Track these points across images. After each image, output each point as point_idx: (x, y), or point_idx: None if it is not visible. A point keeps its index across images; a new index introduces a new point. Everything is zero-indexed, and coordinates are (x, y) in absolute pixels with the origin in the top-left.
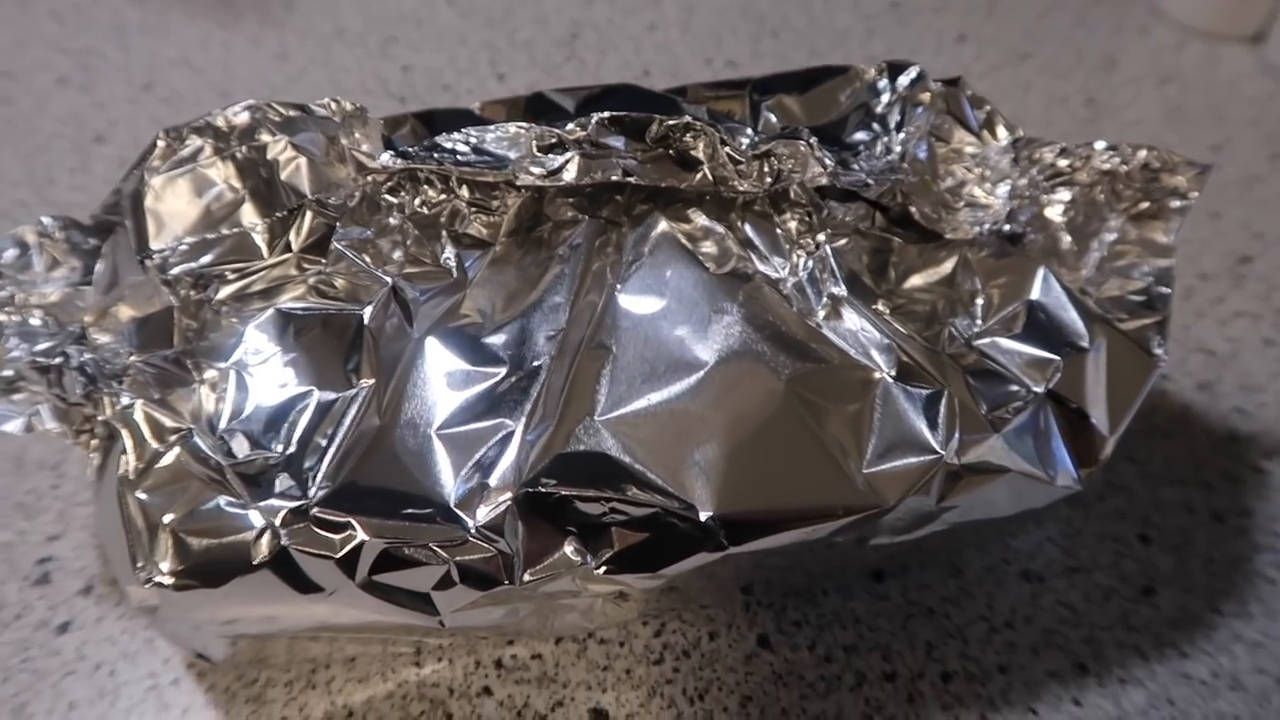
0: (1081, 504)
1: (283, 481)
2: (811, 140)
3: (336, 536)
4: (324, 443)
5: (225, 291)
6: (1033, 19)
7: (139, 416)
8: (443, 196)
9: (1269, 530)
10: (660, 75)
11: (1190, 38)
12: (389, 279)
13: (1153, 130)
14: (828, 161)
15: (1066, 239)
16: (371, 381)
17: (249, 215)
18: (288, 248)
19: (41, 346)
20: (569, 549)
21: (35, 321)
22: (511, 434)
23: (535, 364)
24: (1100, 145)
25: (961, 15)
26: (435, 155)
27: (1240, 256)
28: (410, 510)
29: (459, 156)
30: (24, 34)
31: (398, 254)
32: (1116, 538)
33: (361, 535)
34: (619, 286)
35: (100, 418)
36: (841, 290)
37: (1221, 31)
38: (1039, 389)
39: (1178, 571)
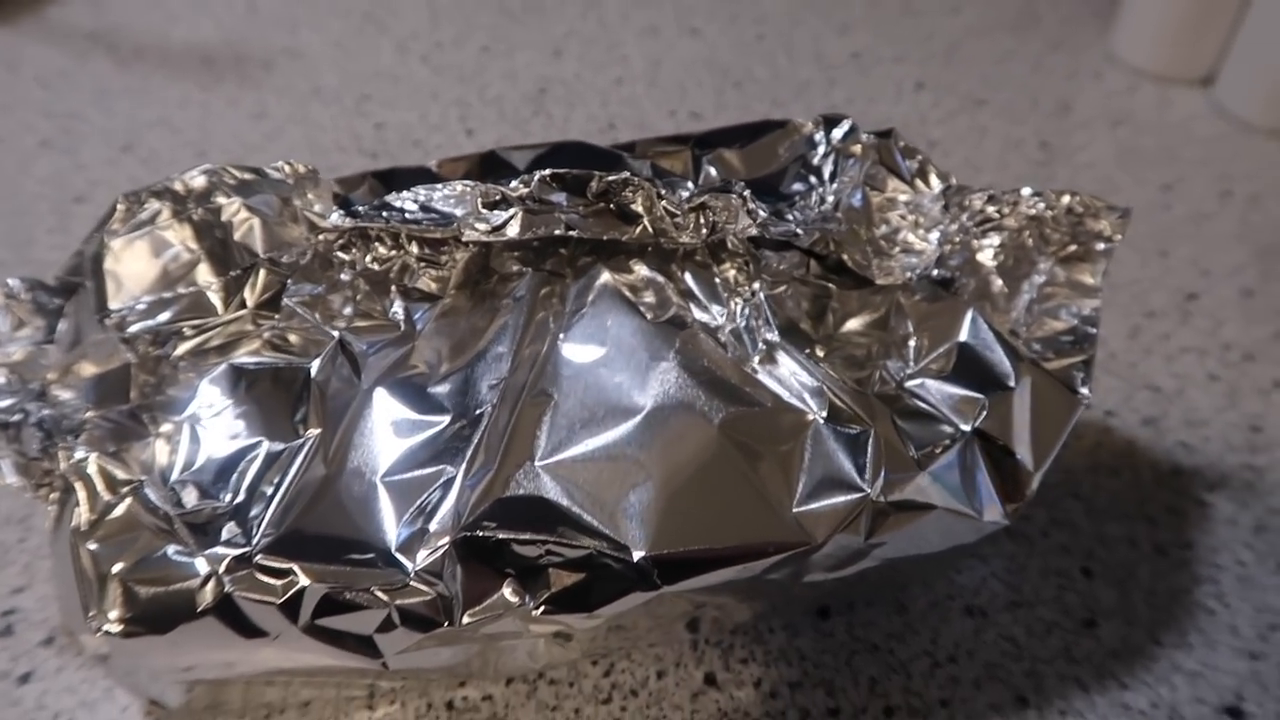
0: (1025, 540)
1: (229, 530)
2: (745, 193)
3: (279, 582)
4: (269, 491)
5: (183, 348)
6: (989, 66)
7: (92, 469)
8: (393, 253)
9: (1210, 562)
10: (625, 127)
11: (1142, 81)
12: (336, 333)
13: (1106, 171)
14: (760, 213)
15: (998, 282)
16: (318, 431)
17: (204, 274)
18: (242, 304)
19: (3, 404)
20: (507, 590)
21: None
22: (453, 480)
23: (478, 411)
24: (1026, 191)
25: (920, 64)
26: (384, 214)
27: (1188, 294)
28: (352, 555)
29: (407, 215)
30: (10, 99)
31: (348, 309)
32: (1060, 572)
33: (303, 580)
34: (562, 335)
35: (57, 471)
36: (775, 336)
37: (1173, 75)
38: (966, 427)
39: (1120, 604)
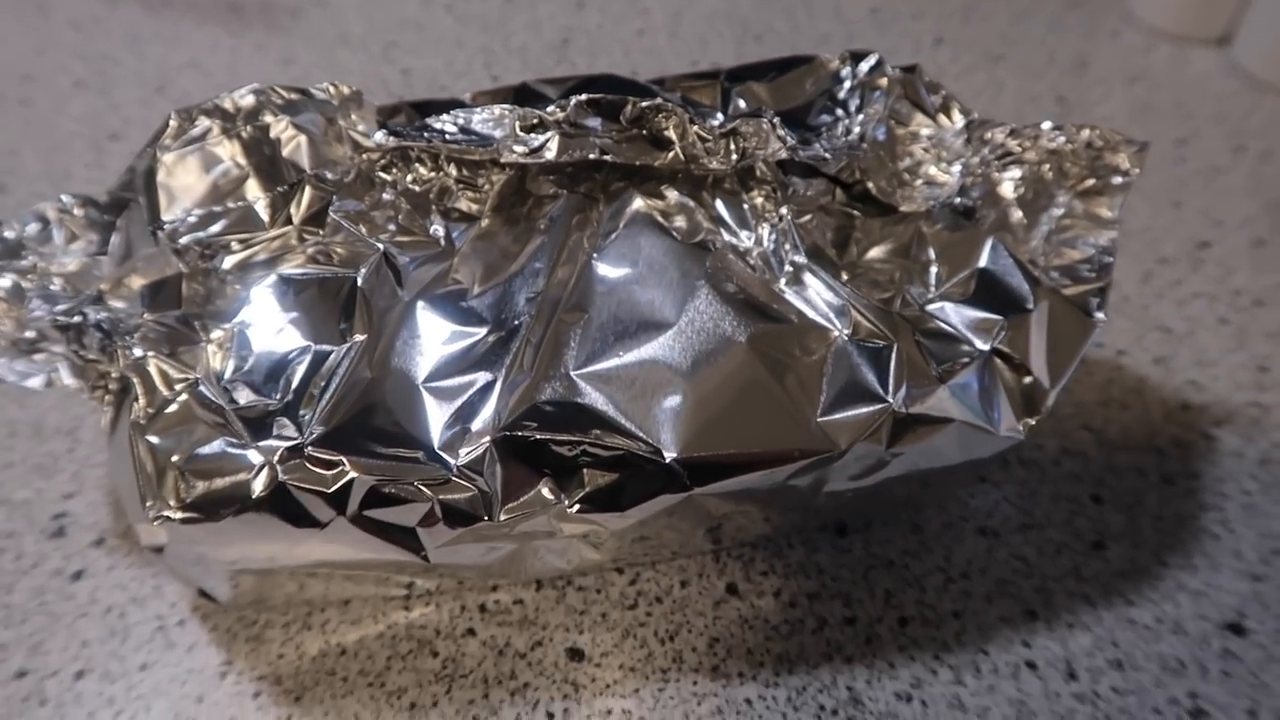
0: (1037, 467)
1: (280, 424)
2: (774, 119)
3: (329, 473)
4: (318, 392)
5: (230, 260)
6: (1007, 23)
7: (151, 367)
8: (432, 174)
9: (1216, 491)
10: (647, 78)
11: (1159, 40)
12: (381, 245)
13: (1121, 125)
14: (789, 138)
15: (1017, 214)
16: (363, 337)
17: (253, 190)
18: (288, 219)
19: (61, 307)
20: (544, 488)
21: (55, 287)
22: (492, 385)
23: (515, 323)
24: (1047, 126)
25: (938, 20)
26: (425, 135)
27: (1199, 242)
28: (398, 451)
29: (447, 136)
30: (44, 40)
31: (390, 225)
32: (1070, 498)
33: (351, 473)
34: (595, 255)
35: (114, 373)
36: (802, 258)
37: (1189, 34)
38: (985, 347)
39: (1128, 528)
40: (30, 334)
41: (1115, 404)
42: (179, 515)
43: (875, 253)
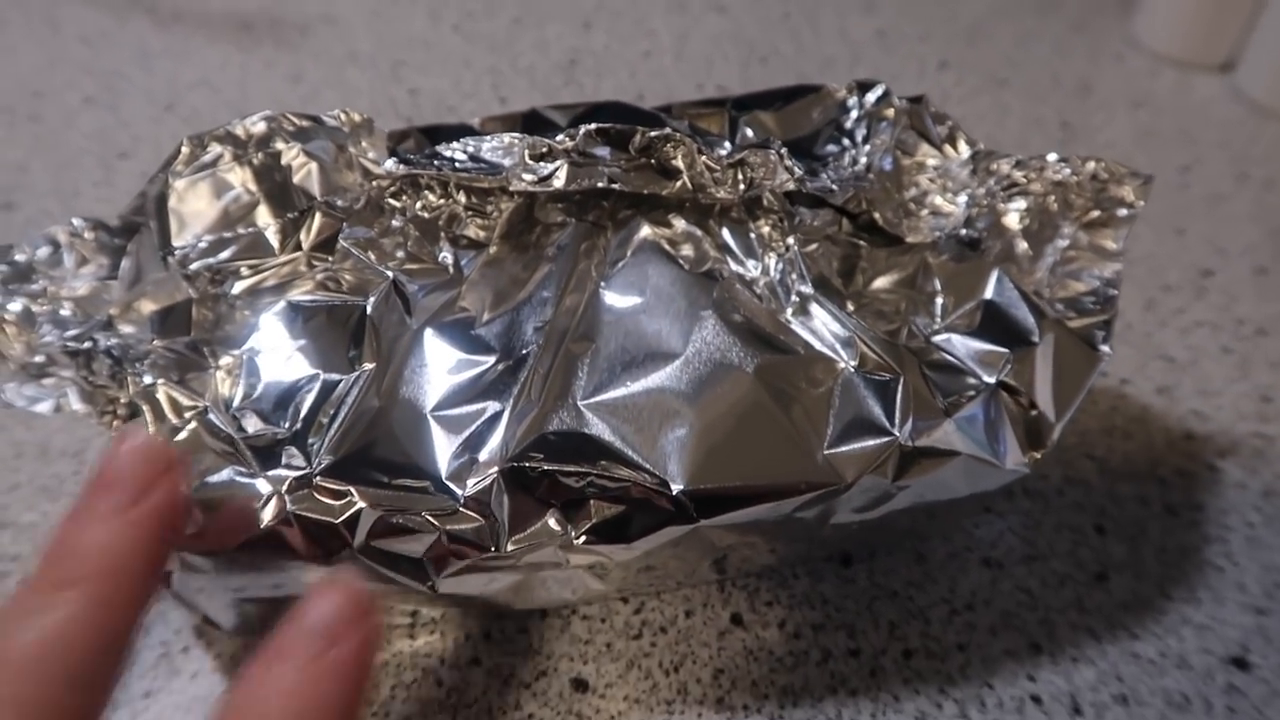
0: (1041, 497)
1: (289, 454)
2: (781, 150)
3: (337, 503)
4: (327, 421)
5: (240, 286)
6: (1012, 46)
7: (160, 395)
8: (442, 201)
9: (1220, 523)
10: (654, 99)
11: (1163, 66)
12: (390, 273)
13: (1125, 151)
14: (796, 169)
15: (1022, 245)
16: (372, 366)
17: (263, 216)
18: (298, 246)
19: (71, 333)
20: (551, 519)
21: (65, 312)
22: (500, 414)
23: (523, 352)
24: (1052, 157)
25: (944, 43)
26: (435, 162)
27: (1203, 270)
28: (405, 481)
29: (457, 164)
30: (54, 56)
31: (399, 253)
32: (1074, 528)
33: (360, 503)
34: (603, 284)
35: (123, 399)
36: (809, 289)
37: (1193, 60)
38: (990, 380)
39: (1131, 560)
40: (40, 358)
41: (1119, 433)
42: (186, 545)
43: (881, 283)
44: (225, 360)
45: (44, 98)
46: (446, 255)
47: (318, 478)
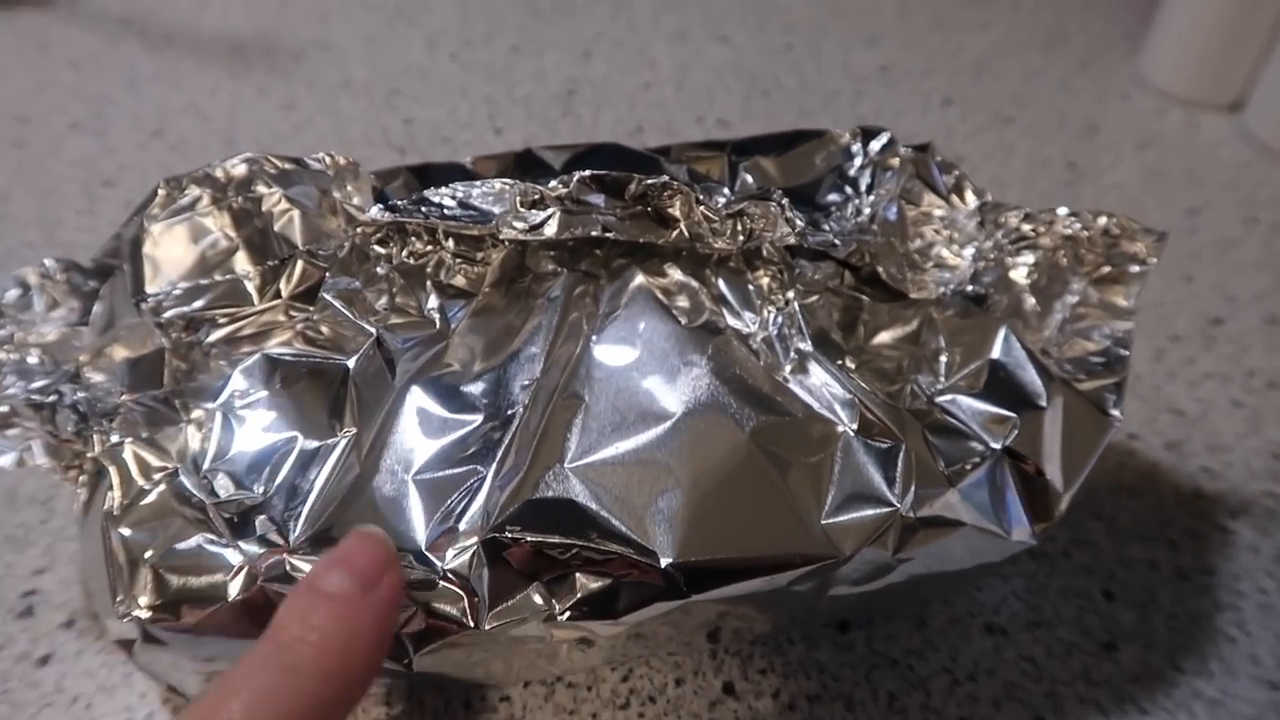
0: (1047, 559)
1: (263, 524)
2: (782, 201)
3: None
4: (305, 488)
5: (215, 335)
6: (1017, 84)
7: (127, 455)
8: (429, 248)
9: (1232, 589)
10: (653, 131)
11: (1170, 105)
12: (373, 330)
13: (1131, 193)
14: (797, 222)
15: (1030, 300)
16: (354, 430)
17: (242, 263)
18: (277, 295)
19: (37, 384)
20: (534, 594)
21: (33, 360)
22: (483, 480)
23: (510, 412)
24: (1063, 211)
25: (948, 79)
26: (423, 209)
27: (1212, 319)
28: None
29: (445, 210)
30: (42, 80)
31: (383, 303)
32: (1081, 593)
33: None
34: (594, 337)
35: (90, 455)
36: (808, 346)
37: (1201, 100)
38: (996, 445)
39: (1140, 628)
40: (3, 409)
41: (1127, 491)
42: (148, 615)
43: (883, 337)
44: (197, 414)
45: (29, 123)
46: (433, 306)
47: (293, 554)
